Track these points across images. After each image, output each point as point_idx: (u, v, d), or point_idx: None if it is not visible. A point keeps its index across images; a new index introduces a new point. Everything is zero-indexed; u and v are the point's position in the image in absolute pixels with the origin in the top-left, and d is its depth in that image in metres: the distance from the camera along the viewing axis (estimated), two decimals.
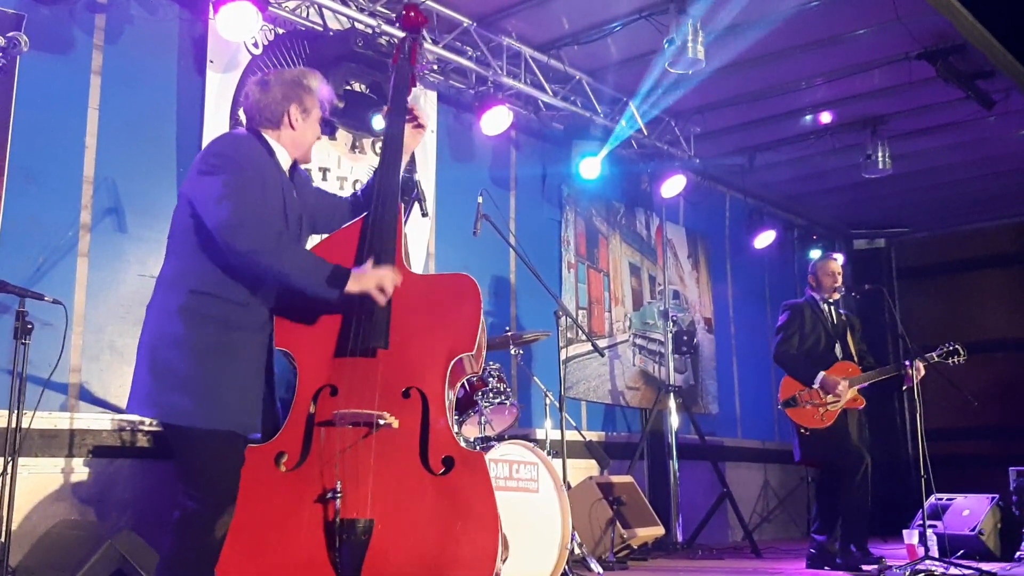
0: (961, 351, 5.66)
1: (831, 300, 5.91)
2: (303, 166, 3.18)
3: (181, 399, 2.70)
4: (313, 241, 3.19)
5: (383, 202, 3.07)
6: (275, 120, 3.00)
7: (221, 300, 2.78)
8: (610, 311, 7.97)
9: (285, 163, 3.03)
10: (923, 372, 5.60)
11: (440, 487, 2.82)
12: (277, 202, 2.91)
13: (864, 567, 5.41)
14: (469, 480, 2.82)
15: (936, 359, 5.70)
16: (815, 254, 8.93)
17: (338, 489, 2.76)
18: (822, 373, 5.62)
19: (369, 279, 2.83)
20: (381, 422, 2.81)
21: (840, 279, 5.94)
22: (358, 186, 4.23)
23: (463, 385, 4.80)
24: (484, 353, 3.24)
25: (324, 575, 2.75)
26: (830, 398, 5.58)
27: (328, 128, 5.72)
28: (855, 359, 5.83)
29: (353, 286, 2.81)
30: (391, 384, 2.90)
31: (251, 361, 2.84)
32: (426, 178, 6.35)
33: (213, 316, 2.77)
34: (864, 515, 5.62)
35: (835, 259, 6.04)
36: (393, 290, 2.87)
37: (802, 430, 5.66)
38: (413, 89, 3.34)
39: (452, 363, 2.96)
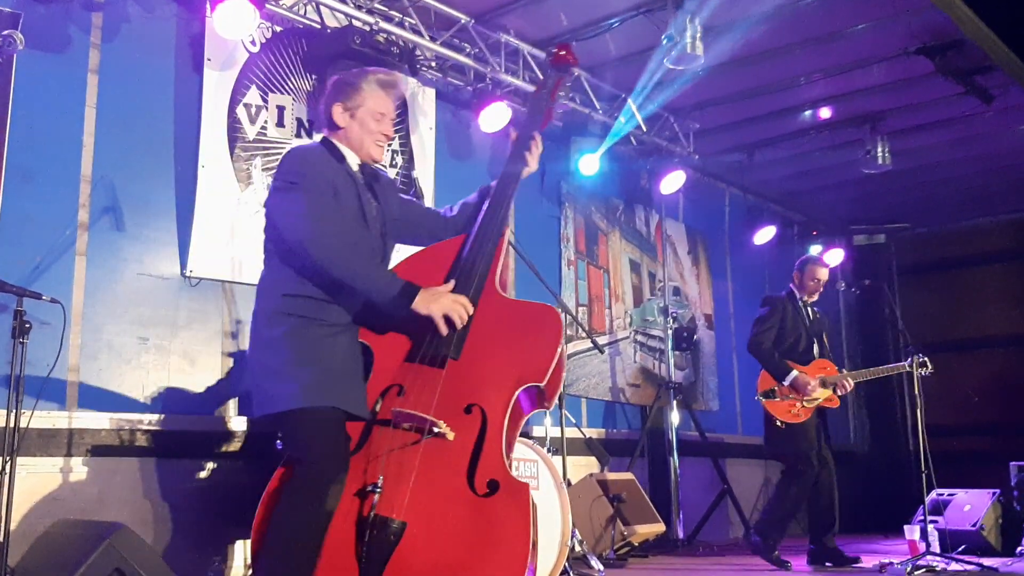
0: (928, 364, 5.73)
1: (809, 301, 5.98)
2: (374, 165, 3.19)
3: (280, 387, 2.83)
4: (399, 255, 3.24)
5: (484, 235, 3.12)
6: (328, 123, 3.11)
7: (308, 299, 2.91)
8: (610, 308, 7.96)
9: (355, 165, 3.10)
10: (850, 387, 5.77)
11: (479, 508, 2.80)
12: (353, 207, 3.00)
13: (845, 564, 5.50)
14: (509, 509, 2.79)
15: (907, 369, 5.80)
16: (815, 250, 8.92)
17: (379, 484, 2.78)
18: (795, 372, 5.66)
19: (437, 306, 2.89)
20: (435, 430, 2.83)
21: (823, 286, 6.03)
22: None
23: None
24: (560, 390, 3.19)
25: (347, 565, 2.77)
26: (808, 396, 5.64)
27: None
28: (831, 358, 5.93)
29: (420, 307, 2.87)
30: (454, 396, 2.91)
31: (343, 350, 2.94)
32: (425, 175, 6.35)
33: (301, 313, 2.90)
34: (827, 513, 5.71)
35: (825, 265, 6.08)
36: (463, 320, 2.91)
37: (777, 422, 5.72)
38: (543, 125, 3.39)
39: (519, 390, 2.94)
